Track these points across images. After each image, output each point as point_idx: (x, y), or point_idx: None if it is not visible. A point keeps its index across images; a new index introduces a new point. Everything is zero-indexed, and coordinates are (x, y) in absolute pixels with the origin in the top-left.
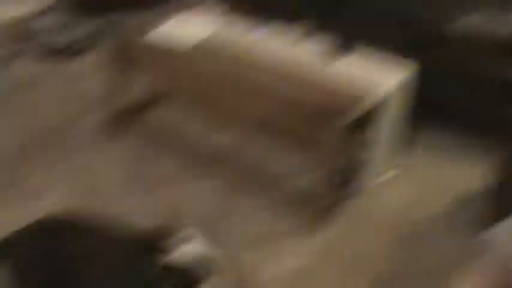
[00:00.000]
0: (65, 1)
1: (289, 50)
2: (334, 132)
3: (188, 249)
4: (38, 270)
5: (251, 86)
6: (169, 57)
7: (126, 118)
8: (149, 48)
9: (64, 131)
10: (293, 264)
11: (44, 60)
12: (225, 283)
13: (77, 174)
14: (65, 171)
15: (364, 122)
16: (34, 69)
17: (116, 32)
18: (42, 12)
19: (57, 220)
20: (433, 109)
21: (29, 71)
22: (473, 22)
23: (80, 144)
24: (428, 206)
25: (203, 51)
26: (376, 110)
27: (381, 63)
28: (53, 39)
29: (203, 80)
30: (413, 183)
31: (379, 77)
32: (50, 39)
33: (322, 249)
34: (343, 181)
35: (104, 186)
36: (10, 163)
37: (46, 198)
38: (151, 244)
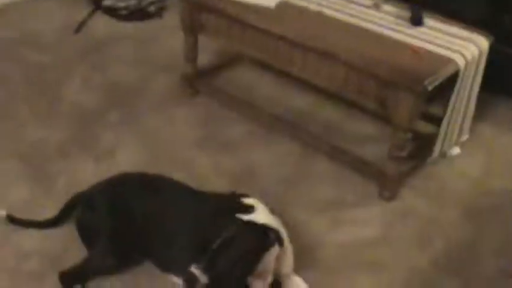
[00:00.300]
0: None
1: (370, 13)
2: (411, 98)
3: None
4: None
5: (329, 48)
6: (241, 19)
7: (197, 81)
8: (220, 11)
9: (136, 92)
10: (363, 233)
11: (118, 23)
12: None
13: (147, 134)
14: (136, 131)
15: (441, 89)
16: (109, 31)
17: None
18: None
19: (129, 178)
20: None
21: (103, 32)
22: None
23: (151, 105)
24: (502, 176)
25: (277, 13)
26: (454, 78)
27: (460, 33)
28: (126, 2)
29: (277, 43)
30: (487, 152)
31: (459, 46)
32: (123, 2)
33: (393, 219)
34: (417, 148)
35: (175, 146)
36: (87, 121)
37: (118, 156)
38: (222, 206)
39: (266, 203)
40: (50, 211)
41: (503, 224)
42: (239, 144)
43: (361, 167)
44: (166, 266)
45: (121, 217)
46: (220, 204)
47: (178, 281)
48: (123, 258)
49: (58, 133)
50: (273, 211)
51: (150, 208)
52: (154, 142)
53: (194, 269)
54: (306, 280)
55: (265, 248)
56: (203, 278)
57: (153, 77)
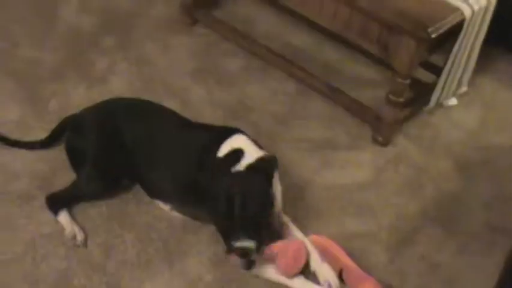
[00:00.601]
0: None
1: None
2: (414, 44)
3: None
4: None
5: None
6: None
7: (197, 10)
8: None
9: (133, 18)
10: (353, 176)
11: None
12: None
13: (143, 61)
14: (132, 57)
15: (446, 38)
16: None
17: None
18: None
19: (120, 102)
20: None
21: None
22: None
23: (148, 33)
24: (497, 132)
25: None
26: (459, 28)
27: None
28: None
29: None
30: (484, 106)
31: None
32: None
33: (384, 164)
34: (414, 96)
35: (170, 75)
36: (82, 44)
37: (112, 81)
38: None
39: (258, 138)
40: (40, 133)
41: (493, 178)
42: (235, 78)
43: (357, 109)
44: (154, 192)
45: (109, 141)
46: (211, 137)
47: (165, 207)
48: (110, 183)
49: (52, 55)
50: (263, 147)
51: (139, 133)
52: (149, 70)
53: (242, 243)
54: (293, 220)
55: (272, 175)
56: (251, 244)
57: (152, 4)
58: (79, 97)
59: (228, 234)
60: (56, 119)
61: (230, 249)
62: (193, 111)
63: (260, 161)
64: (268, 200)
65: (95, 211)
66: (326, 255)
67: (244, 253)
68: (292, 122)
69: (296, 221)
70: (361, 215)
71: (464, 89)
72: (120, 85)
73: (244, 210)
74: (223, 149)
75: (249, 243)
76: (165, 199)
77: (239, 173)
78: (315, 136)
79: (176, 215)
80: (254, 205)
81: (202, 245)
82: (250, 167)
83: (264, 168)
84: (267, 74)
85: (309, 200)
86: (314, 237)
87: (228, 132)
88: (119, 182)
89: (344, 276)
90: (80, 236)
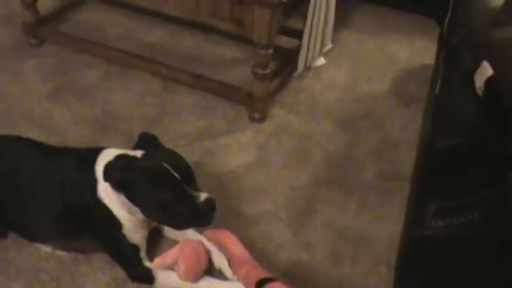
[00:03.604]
0: None
1: None
2: (267, 13)
3: None
4: None
5: None
6: None
7: (41, 29)
8: None
9: None
10: (238, 159)
11: None
12: None
13: None
14: None
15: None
16: None
17: None
18: None
19: None
20: None
21: None
22: None
23: None
24: (370, 81)
25: None
26: None
27: None
28: None
29: None
30: (352, 60)
31: None
32: None
33: (267, 140)
34: (281, 64)
35: (26, 103)
36: None
37: None
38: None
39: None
40: None
41: (376, 127)
42: (96, 89)
43: (227, 92)
44: (31, 235)
45: None
46: (81, 159)
47: (46, 248)
48: None
49: None
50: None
51: (2, 174)
52: (2, 102)
53: (203, 195)
54: None
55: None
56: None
57: None
58: None
59: (131, 257)
60: None
61: (135, 270)
62: (59, 135)
63: (142, 136)
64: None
65: None
66: (222, 248)
67: (213, 203)
68: (164, 121)
69: None
70: (255, 197)
71: (329, 46)
72: None
73: (179, 170)
74: (100, 166)
75: (207, 194)
76: (44, 240)
77: (143, 157)
78: (190, 129)
79: (60, 253)
80: (181, 161)
81: (97, 272)
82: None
83: (152, 140)
84: (128, 78)
85: None
86: (208, 232)
87: (96, 150)
88: None
89: (230, 265)
90: None
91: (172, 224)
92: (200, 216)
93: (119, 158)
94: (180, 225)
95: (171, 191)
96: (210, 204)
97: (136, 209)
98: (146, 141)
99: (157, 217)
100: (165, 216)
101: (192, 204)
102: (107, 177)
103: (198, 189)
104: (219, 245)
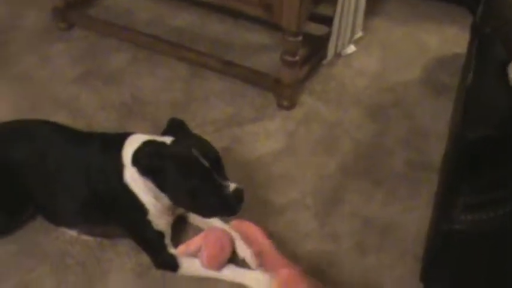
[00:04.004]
0: None
1: None
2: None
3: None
4: None
5: None
6: None
7: (70, 13)
8: None
9: (4, 33)
10: (266, 147)
11: None
12: None
13: (23, 78)
14: (10, 76)
15: None
16: None
17: None
18: None
19: (2, 129)
20: None
21: None
22: None
23: (24, 46)
24: (399, 70)
25: None
26: None
27: None
28: None
29: None
30: (383, 48)
31: None
32: None
33: (295, 127)
34: (311, 52)
35: (55, 87)
36: None
37: None
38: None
39: (159, 133)
40: None
41: (406, 116)
42: (124, 74)
43: (256, 78)
44: (57, 219)
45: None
46: (107, 145)
47: (72, 232)
48: (11, 218)
49: None
50: None
51: (29, 158)
52: (31, 86)
53: (232, 185)
54: None
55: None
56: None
57: (22, 15)
58: None
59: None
60: None
61: (160, 256)
62: (85, 119)
63: (171, 121)
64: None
65: (2, 250)
66: (247, 240)
67: (241, 194)
68: (192, 106)
69: None
70: (282, 185)
71: (359, 34)
72: (4, 108)
73: (208, 157)
74: (128, 150)
75: (235, 184)
76: (70, 224)
77: (172, 144)
78: (218, 115)
79: (86, 238)
80: (210, 148)
81: (122, 258)
82: (172, 135)
83: (181, 125)
84: (156, 63)
85: None
86: (235, 222)
87: (123, 135)
88: (20, 214)
89: (261, 260)
90: None
91: (199, 211)
92: (228, 206)
93: (147, 143)
94: (207, 214)
95: (200, 179)
96: (238, 194)
97: (162, 195)
98: (175, 127)
99: (185, 204)
100: (193, 204)
101: (221, 194)
102: (136, 162)
103: (226, 178)
104: (245, 236)
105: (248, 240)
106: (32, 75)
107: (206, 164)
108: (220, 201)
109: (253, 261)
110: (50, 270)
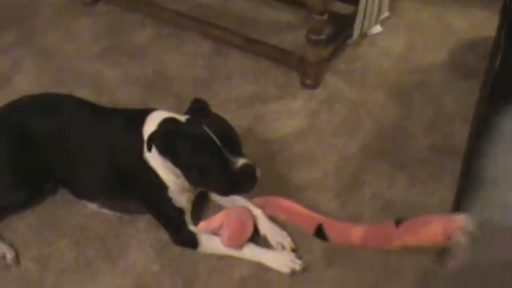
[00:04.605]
0: None
1: None
2: None
3: None
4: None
5: None
6: None
7: None
8: None
9: (29, 9)
10: (289, 126)
11: None
12: None
13: (47, 52)
14: (35, 51)
15: None
16: None
17: None
18: None
19: (27, 101)
20: None
21: None
22: None
23: (48, 21)
24: (426, 51)
25: None
26: None
27: None
28: None
29: None
30: (409, 28)
31: None
32: None
33: (318, 107)
34: (336, 31)
35: (78, 62)
36: None
37: (18, 80)
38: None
39: (182, 108)
40: None
41: (430, 99)
42: (148, 50)
43: (280, 56)
44: (79, 192)
45: (22, 146)
46: (129, 120)
47: (92, 206)
48: (33, 190)
49: None
50: None
51: (52, 131)
52: (55, 60)
53: (241, 161)
54: None
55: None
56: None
57: None
58: None
59: (176, 220)
60: None
61: (180, 234)
62: (109, 95)
63: (194, 101)
64: (222, 118)
65: (22, 223)
66: (271, 212)
67: (251, 169)
68: (215, 83)
69: None
70: (303, 165)
71: (386, 14)
72: (28, 82)
73: (220, 135)
74: (148, 127)
75: (245, 160)
76: (90, 197)
77: (186, 122)
78: (241, 93)
79: (106, 212)
80: (224, 126)
81: (142, 234)
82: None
83: (204, 106)
84: (180, 39)
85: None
86: (257, 199)
87: (145, 112)
88: (42, 187)
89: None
90: (9, 254)
91: (211, 189)
92: (235, 182)
93: (163, 123)
94: (219, 191)
95: (209, 156)
96: (247, 170)
97: (180, 173)
98: (197, 107)
99: (197, 182)
100: (204, 181)
101: (228, 170)
102: (151, 144)
103: (239, 156)
104: (269, 208)
105: (272, 211)
106: (56, 50)
107: (217, 140)
108: (227, 177)
109: (273, 238)
110: (69, 243)
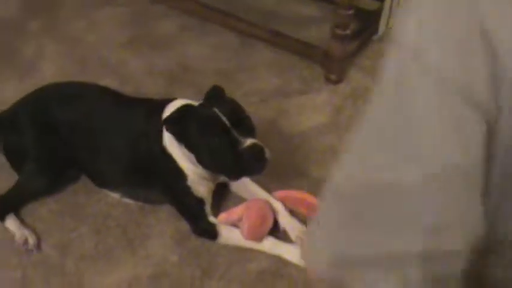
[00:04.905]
0: None
1: None
2: None
3: None
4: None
5: None
6: None
7: None
8: None
9: (55, 0)
10: (312, 120)
11: None
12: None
13: (72, 41)
14: (60, 39)
15: None
16: None
17: None
18: None
19: (51, 89)
20: None
21: None
22: None
23: (73, 10)
24: None
25: None
26: None
27: None
28: None
29: None
30: None
31: None
32: None
33: (342, 102)
34: (361, 26)
35: (102, 51)
36: (5, 34)
37: (44, 68)
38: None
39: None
40: None
41: None
42: (171, 41)
43: (304, 50)
44: (100, 181)
45: (46, 133)
46: (150, 108)
47: (114, 195)
48: (56, 176)
49: None
50: None
51: (75, 118)
52: (80, 49)
53: (249, 141)
54: (256, 179)
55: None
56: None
57: None
58: (11, 91)
59: (196, 210)
60: None
61: (200, 224)
62: (132, 84)
63: (212, 88)
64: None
65: (44, 209)
66: (305, 207)
67: (259, 149)
68: (239, 76)
69: (258, 180)
70: (324, 160)
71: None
72: (53, 70)
73: (230, 116)
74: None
75: (254, 140)
76: (112, 187)
77: (198, 105)
78: (265, 86)
79: (128, 201)
80: (235, 108)
81: (162, 224)
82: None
83: (220, 92)
84: (204, 31)
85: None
86: (279, 193)
87: (166, 101)
88: (64, 173)
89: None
90: (31, 240)
91: (221, 171)
92: (244, 163)
93: (179, 108)
94: (228, 172)
95: (217, 136)
96: (255, 150)
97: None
98: (214, 93)
99: (207, 164)
100: (214, 163)
101: (235, 150)
102: (166, 129)
103: (249, 137)
104: (290, 203)
105: (293, 205)
106: (80, 39)
107: (226, 121)
108: (235, 157)
109: (293, 232)
110: (90, 231)
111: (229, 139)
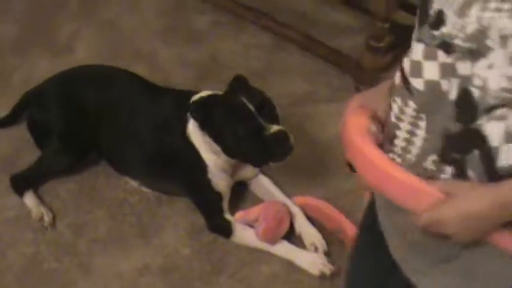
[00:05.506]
0: None
1: None
2: None
3: None
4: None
5: None
6: None
7: None
8: None
9: None
10: (336, 129)
11: None
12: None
13: (108, 24)
14: (97, 21)
15: None
16: None
17: None
18: None
19: (82, 71)
20: None
21: None
22: None
23: None
24: None
25: None
26: None
27: None
28: None
29: None
30: None
31: None
32: None
33: None
34: (396, 40)
35: (137, 37)
36: (44, 14)
37: (77, 49)
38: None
39: None
40: (3, 109)
41: None
42: (206, 35)
43: (337, 59)
44: (121, 167)
45: (73, 112)
46: (177, 99)
47: (133, 183)
48: (77, 155)
49: (12, 27)
50: None
51: (103, 102)
52: (115, 33)
53: (274, 127)
54: (274, 182)
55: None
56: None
57: None
58: (43, 69)
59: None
60: (20, 94)
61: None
62: (163, 74)
63: (236, 78)
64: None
65: (63, 189)
66: (321, 217)
67: (284, 135)
68: (269, 77)
69: (278, 182)
70: (346, 172)
71: None
72: (86, 52)
73: (256, 103)
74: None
75: (279, 126)
76: (132, 174)
77: (225, 93)
78: (294, 90)
79: (146, 190)
80: (260, 95)
81: (178, 216)
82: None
83: (244, 82)
84: (239, 29)
85: (291, 158)
86: (299, 198)
87: (193, 93)
88: (86, 154)
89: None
90: (47, 217)
91: (246, 158)
92: (269, 149)
93: (205, 96)
94: (253, 159)
95: (243, 122)
96: (280, 136)
97: (219, 149)
98: (238, 83)
99: (232, 151)
100: (238, 150)
101: (261, 136)
102: (190, 115)
103: (275, 123)
104: (314, 212)
105: (311, 213)
106: (117, 23)
107: (252, 107)
108: (260, 143)
109: (307, 238)
110: (105, 215)
111: (255, 125)
